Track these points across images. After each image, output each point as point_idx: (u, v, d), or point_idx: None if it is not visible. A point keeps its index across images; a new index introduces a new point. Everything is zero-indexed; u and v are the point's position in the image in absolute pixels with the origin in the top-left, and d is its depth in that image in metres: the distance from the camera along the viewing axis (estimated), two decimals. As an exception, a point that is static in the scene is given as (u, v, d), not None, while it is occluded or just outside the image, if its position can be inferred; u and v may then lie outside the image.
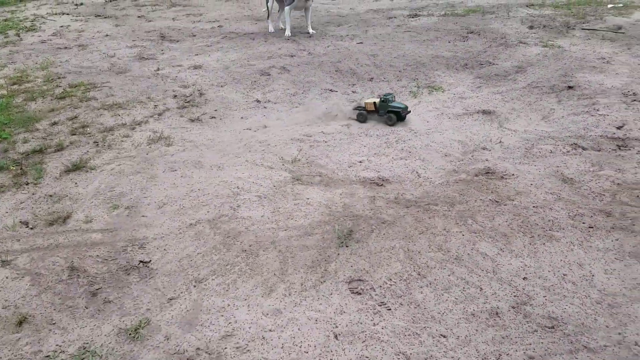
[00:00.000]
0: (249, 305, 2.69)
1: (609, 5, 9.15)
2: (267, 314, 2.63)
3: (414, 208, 3.49)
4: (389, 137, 4.61)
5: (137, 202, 3.73)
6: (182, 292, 2.82)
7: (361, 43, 7.62)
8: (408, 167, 4.06)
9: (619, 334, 2.43)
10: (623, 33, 7.36)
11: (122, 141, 4.71)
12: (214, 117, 5.19)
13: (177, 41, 8.28)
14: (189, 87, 6.02)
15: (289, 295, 2.76)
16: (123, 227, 3.44)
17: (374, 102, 4.93)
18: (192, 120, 5.12)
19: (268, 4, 8.67)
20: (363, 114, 5.00)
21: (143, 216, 3.55)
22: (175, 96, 5.76)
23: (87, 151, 4.52)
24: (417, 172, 3.98)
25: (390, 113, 4.87)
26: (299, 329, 2.53)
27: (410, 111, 4.99)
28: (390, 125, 4.87)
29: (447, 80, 5.99)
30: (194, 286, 2.86)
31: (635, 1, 9.38)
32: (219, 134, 4.81)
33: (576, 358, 2.31)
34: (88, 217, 3.55)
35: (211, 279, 2.90)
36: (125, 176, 4.09)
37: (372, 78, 6.19)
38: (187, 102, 5.58)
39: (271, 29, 8.69)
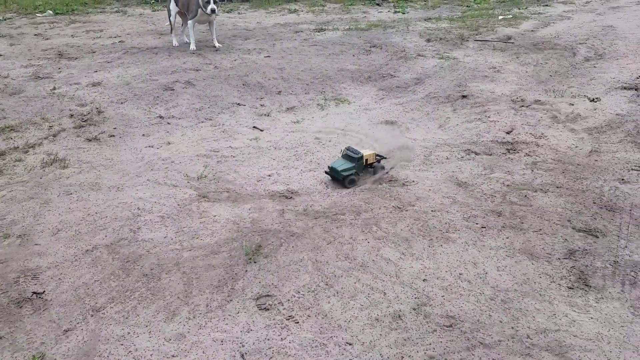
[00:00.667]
0: (150, 332, 2.59)
1: (500, 17, 9.85)
2: (170, 339, 2.54)
3: (322, 219, 3.54)
4: (297, 150, 4.65)
5: (30, 229, 3.49)
6: (78, 323, 2.66)
7: (268, 57, 7.66)
8: (317, 179, 4.11)
9: (512, 328, 2.58)
10: (512, 43, 7.94)
11: (14, 166, 4.39)
12: (113, 136, 4.98)
13: (76, 58, 7.88)
14: (87, 106, 5.73)
15: (193, 317, 2.68)
16: (14, 257, 3.20)
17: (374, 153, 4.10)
18: (90, 140, 4.88)
19: (171, 18, 8.49)
20: (353, 180, 4.01)
21: (36, 244, 3.32)
22: (72, 115, 5.47)
23: (-26, 178, 4.17)
24: (325, 183, 4.03)
25: (350, 176, 3.99)
26: (203, 352, 2.47)
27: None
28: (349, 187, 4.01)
29: (353, 93, 6.15)
30: (91, 315, 2.70)
31: (523, 12, 10.16)
32: (118, 153, 4.62)
33: (473, 355, 2.43)
34: (-26, 250, 3.27)
35: (109, 307, 2.76)
36: (17, 203, 3.81)
37: (280, 91, 6.23)
38: (85, 121, 5.32)
39: (175, 43, 8.52)
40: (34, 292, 2.89)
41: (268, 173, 4.23)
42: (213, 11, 7.66)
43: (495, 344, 2.48)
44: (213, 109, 5.68)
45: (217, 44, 8.28)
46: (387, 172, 4.16)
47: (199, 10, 7.80)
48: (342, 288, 2.88)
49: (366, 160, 4.06)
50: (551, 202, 3.66)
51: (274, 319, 2.66)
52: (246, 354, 2.45)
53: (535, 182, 3.93)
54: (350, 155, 4.01)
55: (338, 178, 3.99)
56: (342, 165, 3.99)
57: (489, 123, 5.02)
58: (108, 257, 3.17)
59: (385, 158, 4.27)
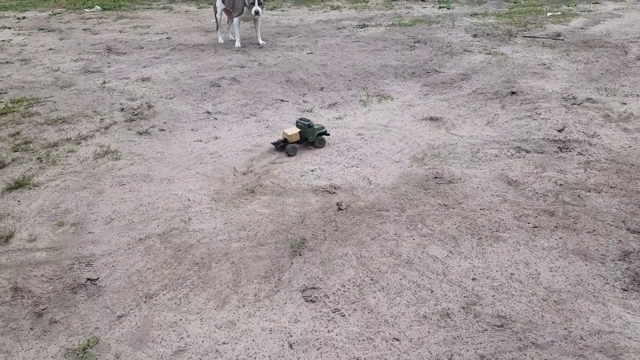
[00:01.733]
0: (201, 319, 2.65)
1: (548, 14, 9.59)
2: (221, 327, 2.59)
3: (365, 214, 3.53)
4: (340, 146, 4.66)
5: (84, 218, 3.61)
6: (132, 309, 2.74)
7: (311, 53, 7.68)
8: (359, 174, 4.11)
9: (565, 329, 2.52)
10: (562, 40, 7.72)
11: (67, 156, 4.56)
12: (163, 130, 5.11)
13: (124, 54, 8.11)
14: (137, 100, 5.90)
15: (243, 306, 2.73)
16: (69, 245, 3.32)
17: (300, 132, 4.60)
18: (141, 134, 5.01)
19: (217, 15, 8.63)
20: (294, 147, 4.56)
21: (90, 233, 3.44)
22: (123, 109, 5.63)
23: (30, 168, 4.35)
24: (368, 179, 4.02)
25: (320, 135, 4.63)
26: (253, 340, 2.51)
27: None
28: (321, 147, 4.64)
29: (396, 89, 6.11)
30: (145, 302, 2.78)
31: (572, 10, 9.86)
32: (169, 147, 4.73)
33: (525, 355, 2.38)
34: (32, 236, 3.42)
35: (162, 294, 2.83)
36: (71, 192, 3.96)
37: (322, 87, 6.25)
38: (135, 115, 5.47)
39: (221, 40, 8.65)
40: (88, 279, 3.00)
41: (311, 168, 4.25)
42: (257, 13, 7.74)
43: (547, 345, 2.43)
44: (257, 105, 5.74)
45: (261, 42, 8.36)
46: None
47: (245, 8, 7.89)
48: (387, 284, 2.87)
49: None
50: (605, 203, 3.55)
51: (320, 311, 2.68)
52: (294, 343, 2.47)
53: (589, 182, 3.81)
54: (311, 123, 4.60)
55: (325, 134, 4.65)
56: (320, 126, 4.67)
57: (540, 120, 4.90)
58: (160, 246, 3.25)
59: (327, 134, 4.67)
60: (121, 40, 9.05)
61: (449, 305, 2.69)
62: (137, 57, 7.83)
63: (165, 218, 3.55)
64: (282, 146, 4.59)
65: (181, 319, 2.65)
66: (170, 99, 5.92)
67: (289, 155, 4.52)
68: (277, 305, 2.73)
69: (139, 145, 4.76)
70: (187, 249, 3.21)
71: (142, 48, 8.44)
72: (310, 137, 4.63)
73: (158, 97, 5.99)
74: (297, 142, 4.63)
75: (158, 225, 3.47)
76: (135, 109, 5.62)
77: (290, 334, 2.54)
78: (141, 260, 3.13)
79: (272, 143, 4.68)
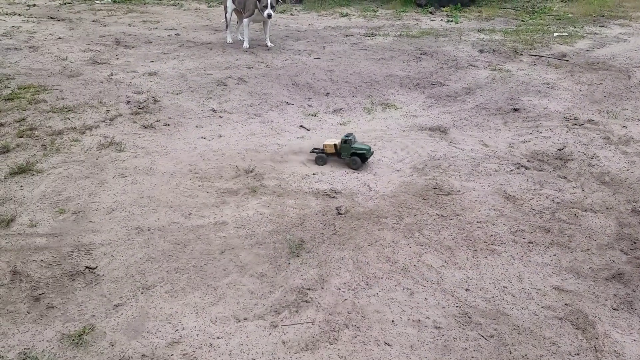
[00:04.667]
0: (197, 313, 2.68)
1: (555, 34, 9.67)
2: (216, 322, 2.63)
3: (364, 220, 3.58)
4: (342, 151, 4.70)
5: (85, 207, 3.65)
6: (128, 299, 2.78)
7: (318, 58, 7.74)
8: (360, 181, 4.15)
9: (555, 344, 2.56)
10: (567, 60, 7.79)
11: (71, 145, 4.60)
12: (168, 125, 5.15)
13: (133, 47, 8.16)
14: (143, 94, 5.94)
15: (238, 303, 2.76)
16: (69, 232, 3.35)
17: (335, 144, 4.40)
18: (145, 127, 5.05)
19: (227, 15, 8.69)
20: (322, 157, 4.46)
21: (90, 221, 3.48)
22: (129, 102, 5.67)
23: (35, 154, 4.39)
24: (368, 186, 4.07)
25: (354, 156, 4.35)
26: (247, 336, 2.54)
27: (373, 152, 4.49)
28: (355, 169, 4.35)
29: (400, 99, 6.16)
30: (141, 293, 2.82)
31: (579, 31, 9.94)
32: (173, 142, 4.77)
33: (513, 366, 2.42)
34: (33, 221, 3.45)
35: (159, 286, 2.87)
36: (73, 181, 3.99)
37: (328, 93, 6.30)
38: (141, 108, 5.51)
39: (229, 40, 8.71)
40: (87, 267, 3.03)
41: (313, 172, 4.29)
42: (269, 16, 7.80)
43: (537, 358, 2.46)
44: (263, 106, 5.79)
45: (269, 44, 8.42)
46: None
47: (256, 10, 7.95)
48: (382, 289, 2.91)
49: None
50: (600, 223, 3.60)
51: (314, 312, 2.71)
52: (287, 342, 2.51)
53: (586, 202, 3.86)
54: (351, 140, 4.38)
55: (359, 155, 4.37)
56: (363, 146, 4.41)
57: (541, 138, 4.95)
58: (160, 239, 3.29)
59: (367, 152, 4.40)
60: (130, 34, 9.10)
61: (442, 313, 2.73)
62: (145, 52, 7.88)
63: (166, 212, 3.59)
64: (319, 155, 4.47)
65: (177, 312, 2.69)
66: (177, 94, 5.97)
67: (317, 164, 4.44)
68: (272, 304, 2.76)
69: (143, 139, 4.80)
70: (186, 243, 3.25)
71: (150, 43, 8.49)
72: (343, 154, 4.41)
73: (164, 92, 6.03)
74: (332, 154, 4.44)
75: (158, 219, 3.51)
76: (141, 103, 5.66)
77: (284, 332, 2.57)
78: (140, 251, 3.17)
79: (311, 152, 4.58)
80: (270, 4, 7.69)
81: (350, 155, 4.36)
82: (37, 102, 5.53)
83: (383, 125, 5.35)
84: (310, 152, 4.57)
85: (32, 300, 2.76)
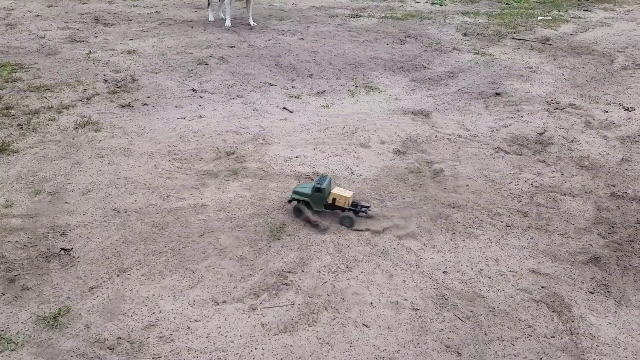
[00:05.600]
0: (174, 296, 2.66)
1: (539, 18, 9.67)
2: (194, 305, 2.61)
3: (345, 203, 3.56)
4: (325, 134, 4.66)
5: (61, 188, 3.58)
6: (104, 281, 2.74)
7: (302, 39, 7.65)
8: (343, 164, 4.13)
9: (530, 326, 2.59)
10: (550, 44, 7.80)
11: (48, 125, 4.49)
12: (146, 104, 5.05)
13: (112, 25, 7.97)
14: (121, 72, 5.81)
15: (216, 286, 2.74)
16: (45, 213, 3.29)
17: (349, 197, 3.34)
18: (123, 106, 4.95)
19: (209, -8, 8.51)
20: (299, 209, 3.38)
21: (66, 203, 3.41)
22: (106, 81, 5.55)
23: (10, 134, 4.28)
24: (351, 169, 4.05)
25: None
26: (225, 319, 2.53)
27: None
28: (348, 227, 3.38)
29: (384, 82, 6.13)
30: (117, 275, 2.78)
31: (563, 15, 9.95)
32: (151, 122, 4.69)
33: (489, 348, 2.45)
34: (8, 202, 3.38)
35: (136, 269, 2.83)
36: (49, 161, 3.91)
37: (311, 74, 6.23)
38: (119, 87, 5.40)
39: (211, 17, 8.55)
40: (62, 248, 2.98)
41: (295, 155, 4.25)
42: None
43: (512, 340, 2.49)
44: (245, 87, 5.71)
45: (252, 22, 8.29)
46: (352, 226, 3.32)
47: None
48: (361, 272, 2.91)
49: (334, 199, 3.35)
50: (579, 207, 3.63)
51: (294, 295, 2.71)
52: (266, 324, 2.50)
53: (564, 186, 3.89)
54: (316, 184, 3.33)
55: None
56: (301, 188, 3.40)
57: (522, 123, 4.97)
58: (137, 221, 3.24)
59: (367, 208, 3.42)
60: (110, 12, 8.89)
61: (419, 295, 2.74)
62: (125, 29, 7.71)
63: (143, 193, 3.54)
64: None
65: (154, 295, 2.66)
66: (156, 73, 5.85)
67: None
68: (252, 287, 2.75)
69: (120, 118, 4.71)
70: (164, 225, 3.21)
71: (130, 20, 8.30)
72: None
73: (143, 70, 5.91)
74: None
75: (135, 200, 3.46)
76: (119, 81, 5.54)
77: (263, 315, 2.56)
78: (116, 233, 3.12)
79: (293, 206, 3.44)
80: None
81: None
82: (14, 81, 5.38)
83: (366, 109, 5.32)
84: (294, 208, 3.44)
85: (7, 281, 2.71)
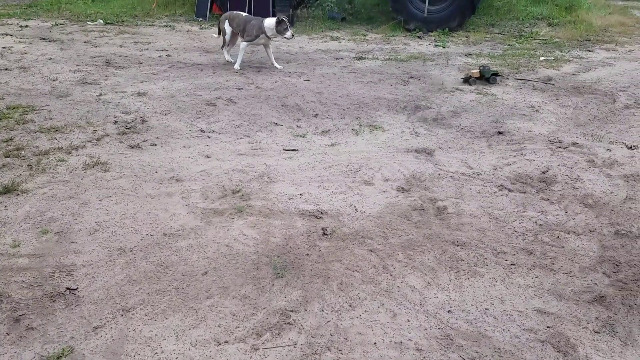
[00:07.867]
0: (177, 336, 2.66)
1: (541, 58, 9.83)
2: (196, 345, 2.60)
3: (349, 241, 3.58)
4: (329, 172, 4.72)
5: (68, 227, 3.63)
6: (108, 321, 2.75)
7: (308, 80, 7.81)
8: (346, 201, 4.16)
9: (535, 366, 2.56)
10: (553, 84, 7.91)
11: (57, 165, 4.59)
12: (155, 145, 5.15)
13: (123, 68, 8.20)
14: (131, 114, 5.95)
15: (219, 326, 2.74)
16: (51, 253, 3.33)
17: (480, 70, 7.78)
18: (132, 147, 5.06)
19: (226, 37, 8.71)
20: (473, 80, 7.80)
21: (73, 242, 3.46)
22: (116, 122, 5.68)
23: (20, 174, 4.37)
24: (354, 206, 4.08)
25: (493, 75, 7.81)
26: (227, 359, 2.51)
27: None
28: (493, 84, 7.71)
29: (388, 121, 6.22)
30: (121, 315, 2.79)
31: (565, 55, 10.12)
32: (159, 162, 4.77)
33: (494, 389, 2.41)
34: (16, 241, 3.42)
35: (139, 308, 2.84)
36: (58, 201, 3.97)
37: (316, 114, 6.35)
38: (128, 128, 5.52)
39: (228, 58, 8.76)
40: (68, 288, 3.00)
41: (299, 192, 4.30)
42: (292, 36, 8.25)
43: (517, 382, 2.46)
44: (252, 127, 5.82)
45: (277, 65, 8.55)
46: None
47: (261, 35, 8.09)
48: (365, 311, 2.90)
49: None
50: (583, 246, 3.62)
51: (297, 335, 2.70)
52: (268, 366, 2.49)
53: (568, 224, 3.89)
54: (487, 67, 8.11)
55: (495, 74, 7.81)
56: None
57: (525, 161, 5.00)
58: (141, 260, 3.27)
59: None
60: (121, 55, 9.16)
61: (424, 335, 2.72)
62: (135, 72, 7.92)
63: (149, 233, 3.58)
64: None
65: (156, 335, 2.66)
66: (165, 115, 5.99)
67: (470, 84, 7.69)
68: (255, 327, 2.75)
69: (129, 159, 4.80)
70: (168, 265, 3.23)
71: (141, 63, 8.54)
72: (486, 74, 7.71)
73: (153, 112, 6.05)
74: (479, 78, 7.72)
75: (141, 239, 3.49)
76: (128, 123, 5.67)
77: (265, 355, 2.55)
78: (121, 273, 3.14)
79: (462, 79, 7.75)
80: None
81: (491, 75, 7.73)
82: (25, 122, 5.53)
83: (370, 147, 5.39)
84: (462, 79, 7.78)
85: (12, 321, 2.73)
